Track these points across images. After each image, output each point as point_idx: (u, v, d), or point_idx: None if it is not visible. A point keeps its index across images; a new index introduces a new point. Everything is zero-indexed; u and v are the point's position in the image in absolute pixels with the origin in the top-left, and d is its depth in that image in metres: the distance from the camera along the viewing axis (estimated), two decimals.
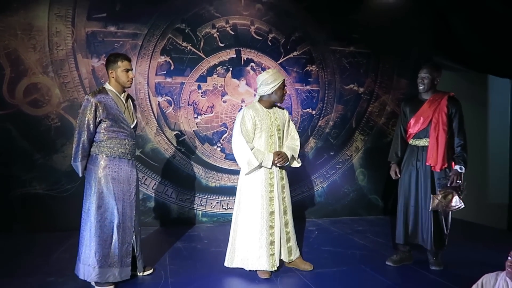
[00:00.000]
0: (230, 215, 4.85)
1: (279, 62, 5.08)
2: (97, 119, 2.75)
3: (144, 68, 4.63)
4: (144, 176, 4.64)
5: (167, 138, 4.73)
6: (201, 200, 4.84)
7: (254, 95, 4.98)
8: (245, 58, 4.97)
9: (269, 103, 3.22)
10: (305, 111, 5.21)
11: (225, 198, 4.91)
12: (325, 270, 3.18)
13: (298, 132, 5.13)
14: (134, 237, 2.89)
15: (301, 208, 5.19)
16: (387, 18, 5.41)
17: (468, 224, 5.15)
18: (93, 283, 2.77)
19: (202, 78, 4.83)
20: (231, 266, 3.15)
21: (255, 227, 3.05)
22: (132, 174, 2.90)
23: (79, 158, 2.80)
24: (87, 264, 2.71)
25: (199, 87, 4.83)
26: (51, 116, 4.35)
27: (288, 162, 3.24)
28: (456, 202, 3.13)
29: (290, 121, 3.44)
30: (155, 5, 4.64)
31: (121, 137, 2.83)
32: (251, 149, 3.05)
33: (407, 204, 3.36)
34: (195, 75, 4.80)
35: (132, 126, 2.90)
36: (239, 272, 3.12)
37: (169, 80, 4.73)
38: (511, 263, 2.04)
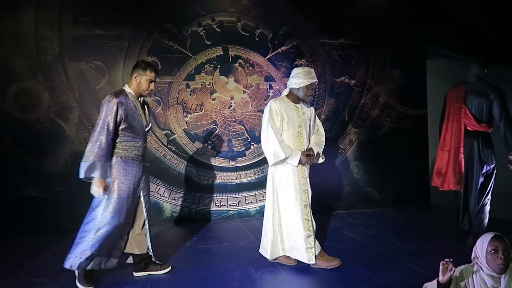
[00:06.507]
0: (223, 212, 4.92)
1: (267, 57, 5.07)
2: (117, 119, 2.74)
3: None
4: None
5: (157, 137, 4.76)
6: (193, 198, 4.86)
7: (244, 91, 4.99)
8: (232, 55, 4.97)
9: (296, 98, 3.18)
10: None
11: (217, 195, 4.92)
12: (305, 264, 3.15)
13: None
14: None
15: None
16: (376, 8, 5.35)
17: None
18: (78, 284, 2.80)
19: (190, 77, 4.85)
20: (274, 258, 3.18)
21: (291, 220, 3.06)
22: (140, 175, 2.91)
23: (91, 158, 2.64)
24: (78, 257, 2.72)
25: (188, 86, 4.84)
26: (41, 121, 4.42)
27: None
28: None
29: (316, 117, 3.40)
30: (140, 6, 4.67)
31: (136, 139, 2.86)
32: (280, 142, 3.02)
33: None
34: (183, 74, 4.82)
35: (146, 129, 2.96)
36: (223, 269, 3.14)
37: (157, 80, 4.73)
38: (503, 255, 1.81)
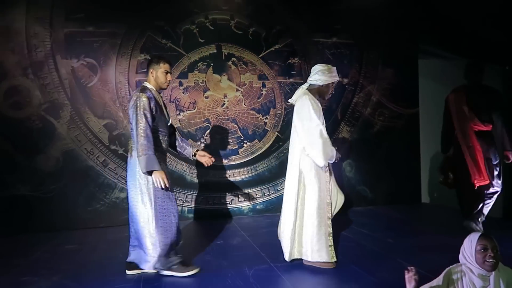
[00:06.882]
0: (216, 210, 4.90)
1: (260, 55, 5.06)
2: (152, 112, 2.79)
3: (124, 66, 4.64)
4: None
5: None
6: (186, 196, 4.85)
7: (237, 89, 4.98)
8: (226, 53, 4.96)
9: (317, 94, 3.13)
10: (289, 104, 5.16)
11: (210, 193, 4.91)
12: (300, 261, 3.15)
13: (282, 125, 5.18)
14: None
15: None
16: (369, 7, 5.37)
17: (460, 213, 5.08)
18: (169, 272, 2.91)
19: (183, 75, 4.83)
20: (291, 259, 3.12)
21: (313, 218, 3.01)
22: (165, 167, 2.96)
23: (147, 151, 2.69)
24: (157, 258, 2.85)
25: (181, 84, 4.83)
26: (32, 118, 4.37)
27: None
28: None
29: None
30: (133, 3, 4.65)
31: (163, 133, 2.93)
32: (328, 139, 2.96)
33: None
34: (176, 71, 4.80)
35: (168, 124, 3.01)
36: (216, 267, 3.13)
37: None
38: (492, 253, 1.79)
